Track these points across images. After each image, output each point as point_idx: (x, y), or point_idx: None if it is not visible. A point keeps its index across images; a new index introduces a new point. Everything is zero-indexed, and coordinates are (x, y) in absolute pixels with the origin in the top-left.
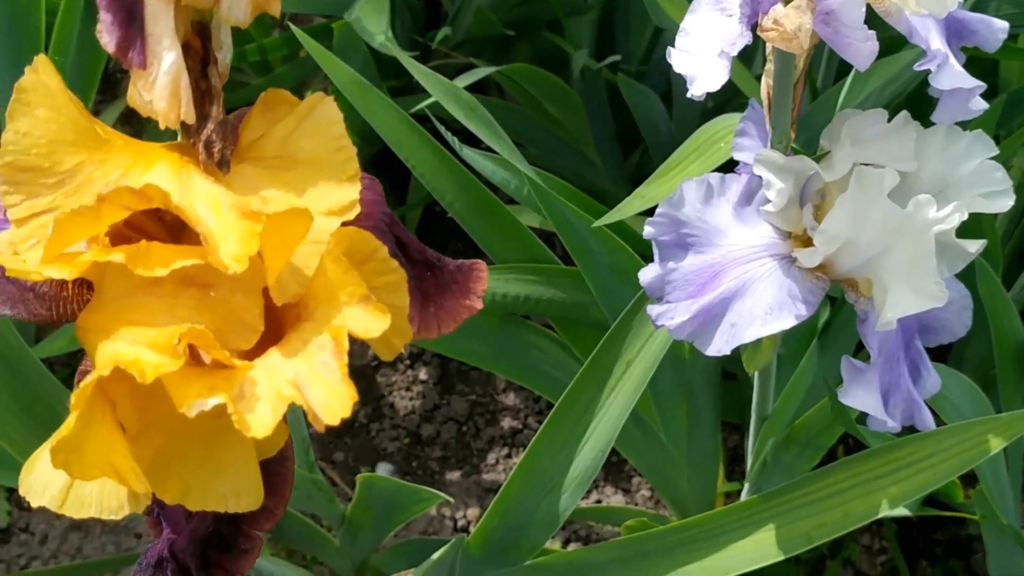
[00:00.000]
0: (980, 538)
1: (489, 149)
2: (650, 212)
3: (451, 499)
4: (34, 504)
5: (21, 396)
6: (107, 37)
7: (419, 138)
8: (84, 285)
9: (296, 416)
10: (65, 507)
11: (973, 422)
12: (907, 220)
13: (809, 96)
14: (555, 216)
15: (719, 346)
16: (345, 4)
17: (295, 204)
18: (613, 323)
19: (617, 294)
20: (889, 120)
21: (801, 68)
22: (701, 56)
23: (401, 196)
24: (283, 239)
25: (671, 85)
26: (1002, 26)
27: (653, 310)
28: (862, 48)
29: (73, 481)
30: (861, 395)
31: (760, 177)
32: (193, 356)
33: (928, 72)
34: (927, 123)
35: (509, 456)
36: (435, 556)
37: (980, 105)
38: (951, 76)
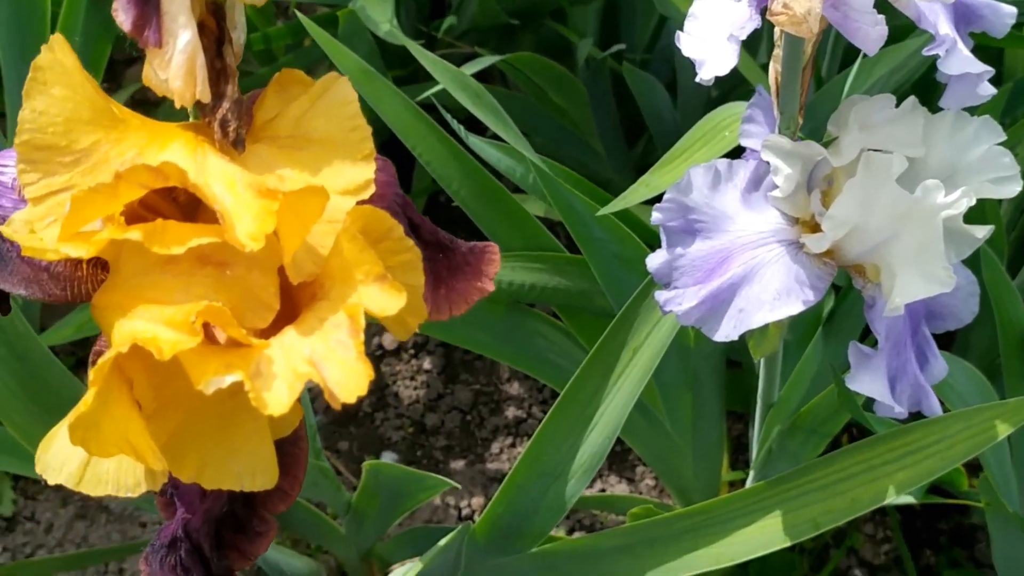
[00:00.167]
0: (983, 527)
1: (494, 138)
2: (655, 201)
3: (458, 486)
4: (51, 482)
5: (28, 383)
6: (123, 15)
7: (425, 126)
8: (98, 265)
9: (303, 403)
10: (82, 484)
11: (980, 408)
12: (915, 205)
13: (814, 85)
14: (561, 204)
15: (727, 331)
16: None
17: (310, 182)
18: (618, 311)
19: (622, 282)
20: (897, 106)
21: (809, 54)
22: (710, 40)
23: (404, 186)
24: (299, 218)
25: (675, 74)
26: (1010, 11)
27: (661, 296)
28: (871, 33)
29: (90, 458)
30: (868, 381)
31: (768, 163)
32: (207, 335)
33: (935, 58)
34: (932, 111)
35: (513, 445)
36: (441, 543)
37: (988, 90)
38: (960, 61)
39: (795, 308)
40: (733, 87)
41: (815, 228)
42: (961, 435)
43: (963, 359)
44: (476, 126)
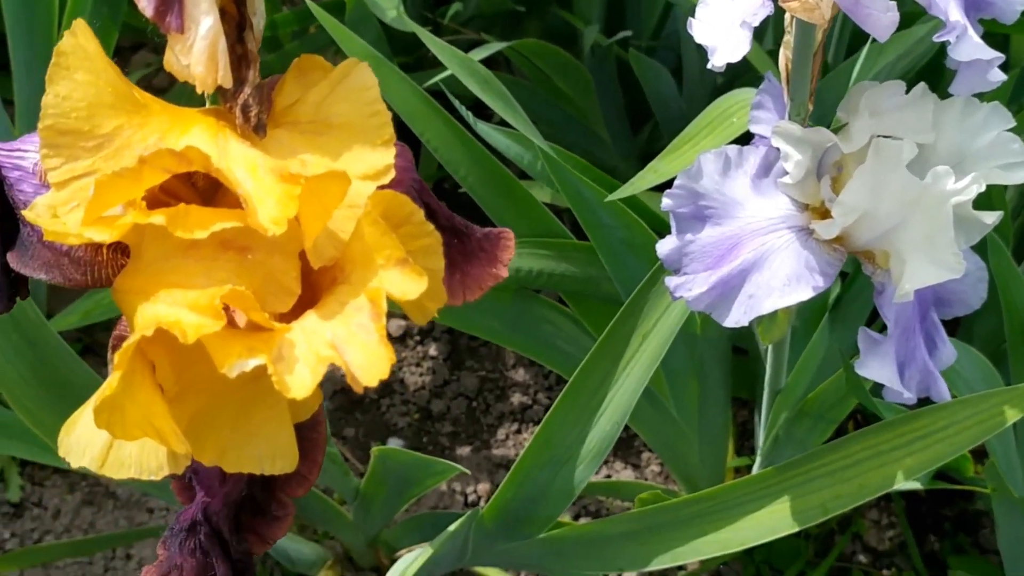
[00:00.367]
0: (988, 513)
1: (501, 124)
2: (662, 187)
3: (467, 471)
4: (74, 465)
5: (39, 370)
6: (145, 1)
7: (433, 112)
8: (119, 250)
9: None
10: (105, 467)
11: (988, 393)
12: (925, 191)
13: (820, 71)
14: (568, 190)
15: (737, 317)
16: None
17: (332, 167)
18: (625, 297)
19: (630, 268)
20: (906, 92)
21: (819, 40)
22: (722, 27)
23: None
24: (320, 202)
25: (681, 61)
26: None
27: (671, 282)
28: (883, 19)
29: (113, 442)
30: (877, 366)
31: (777, 149)
32: (228, 320)
33: (942, 45)
34: (940, 97)
35: (519, 432)
36: (450, 529)
37: (998, 77)
38: (970, 47)
39: (805, 294)
40: (739, 74)
41: (825, 214)
42: (970, 421)
43: (969, 345)
44: (483, 112)
